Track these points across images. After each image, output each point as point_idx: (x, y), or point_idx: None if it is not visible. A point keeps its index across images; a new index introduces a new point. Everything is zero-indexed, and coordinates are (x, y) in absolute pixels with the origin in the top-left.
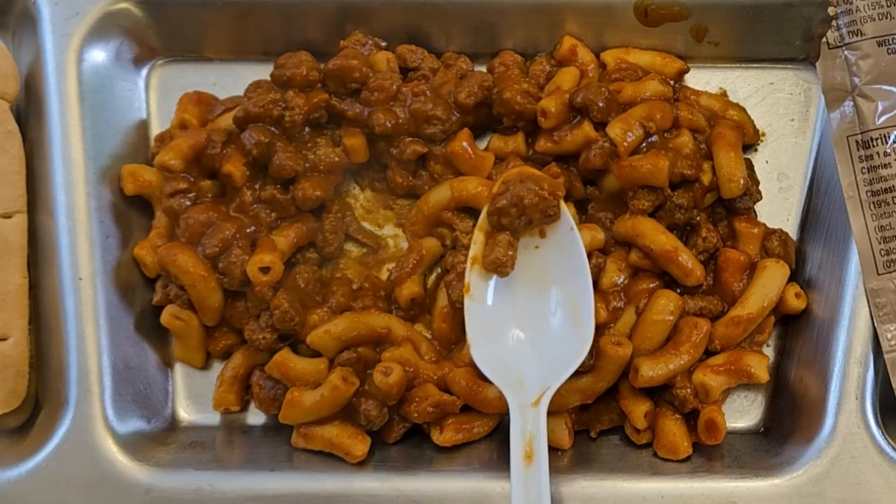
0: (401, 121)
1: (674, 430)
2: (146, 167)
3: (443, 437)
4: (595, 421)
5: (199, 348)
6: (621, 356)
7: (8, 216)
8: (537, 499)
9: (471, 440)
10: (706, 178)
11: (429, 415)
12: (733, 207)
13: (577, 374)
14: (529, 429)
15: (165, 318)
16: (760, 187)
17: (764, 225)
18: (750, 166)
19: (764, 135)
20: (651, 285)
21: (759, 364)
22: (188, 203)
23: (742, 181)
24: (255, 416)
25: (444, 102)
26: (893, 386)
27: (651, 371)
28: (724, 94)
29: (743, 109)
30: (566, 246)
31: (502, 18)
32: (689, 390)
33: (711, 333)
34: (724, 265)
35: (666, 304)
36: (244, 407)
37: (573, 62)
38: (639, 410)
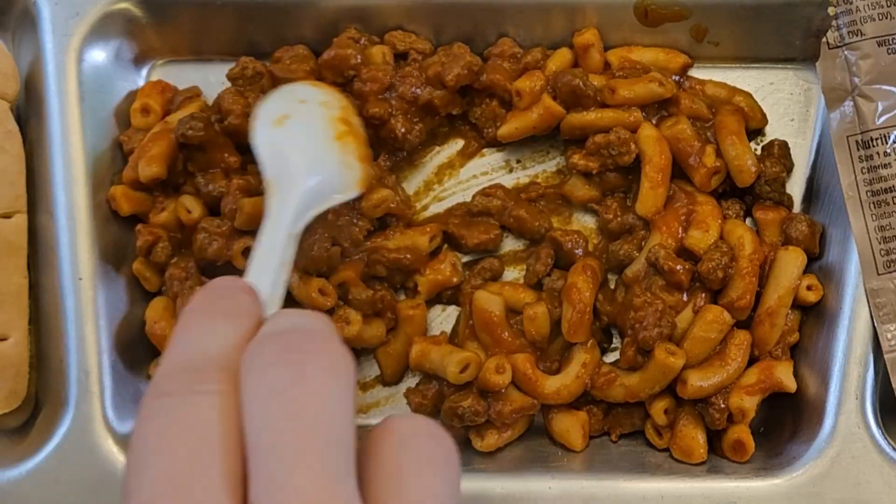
0: (392, 110)
1: (693, 435)
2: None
3: (485, 443)
4: (617, 425)
5: None
6: (671, 366)
7: (8, 216)
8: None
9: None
10: (709, 161)
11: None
12: (755, 194)
13: (627, 369)
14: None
15: (154, 370)
16: None
17: (784, 210)
18: (784, 147)
19: (764, 135)
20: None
21: (787, 373)
22: (170, 252)
23: (753, 168)
24: None
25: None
26: (893, 386)
27: (700, 382)
28: None
29: (750, 95)
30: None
31: (501, 19)
32: (723, 409)
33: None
34: None
35: (714, 322)
36: None
37: (584, 56)
38: (658, 405)
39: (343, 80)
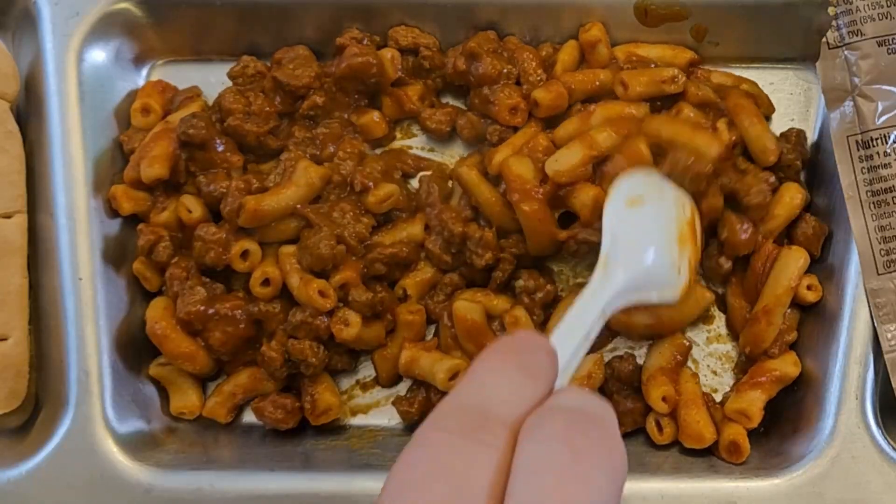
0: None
1: (697, 419)
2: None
3: None
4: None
5: (196, 394)
6: None
7: (8, 216)
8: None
9: None
10: (723, 135)
11: None
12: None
13: None
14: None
15: (154, 370)
16: None
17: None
18: (800, 135)
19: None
20: None
21: (787, 362)
22: (171, 251)
23: (776, 149)
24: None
25: None
26: (893, 386)
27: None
28: None
29: (755, 83)
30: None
31: (504, 18)
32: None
33: (740, 342)
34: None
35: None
36: (232, 421)
37: (591, 52)
38: (657, 392)
39: (366, 89)
